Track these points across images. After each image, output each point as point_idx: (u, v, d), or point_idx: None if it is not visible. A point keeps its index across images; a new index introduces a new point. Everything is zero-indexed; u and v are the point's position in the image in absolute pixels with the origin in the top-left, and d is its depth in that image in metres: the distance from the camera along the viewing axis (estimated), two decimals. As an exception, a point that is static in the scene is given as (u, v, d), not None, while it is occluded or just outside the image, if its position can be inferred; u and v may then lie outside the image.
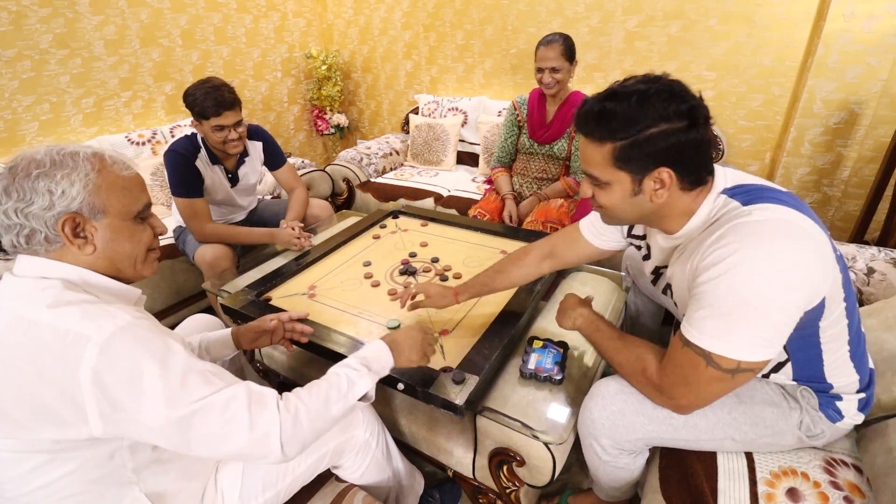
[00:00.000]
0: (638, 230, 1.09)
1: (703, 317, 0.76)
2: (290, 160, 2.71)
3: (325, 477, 1.02)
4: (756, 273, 0.71)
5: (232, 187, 1.86)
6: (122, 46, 2.47)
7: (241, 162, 1.86)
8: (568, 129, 2.02)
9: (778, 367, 0.90)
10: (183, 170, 1.67)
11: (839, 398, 0.90)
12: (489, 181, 2.36)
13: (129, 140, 2.44)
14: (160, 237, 0.86)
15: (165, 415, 0.65)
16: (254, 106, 3.30)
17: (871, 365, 0.93)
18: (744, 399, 0.91)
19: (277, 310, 1.31)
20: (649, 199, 0.82)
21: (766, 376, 0.92)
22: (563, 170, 2.09)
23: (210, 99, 1.56)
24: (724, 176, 0.84)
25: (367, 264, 1.59)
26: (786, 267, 0.71)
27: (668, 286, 0.97)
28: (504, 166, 2.23)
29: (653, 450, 1.06)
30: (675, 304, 0.97)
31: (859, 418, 0.91)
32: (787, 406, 0.90)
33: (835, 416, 0.89)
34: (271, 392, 0.75)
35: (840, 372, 0.88)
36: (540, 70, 1.91)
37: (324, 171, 2.73)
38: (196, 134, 1.73)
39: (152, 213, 0.82)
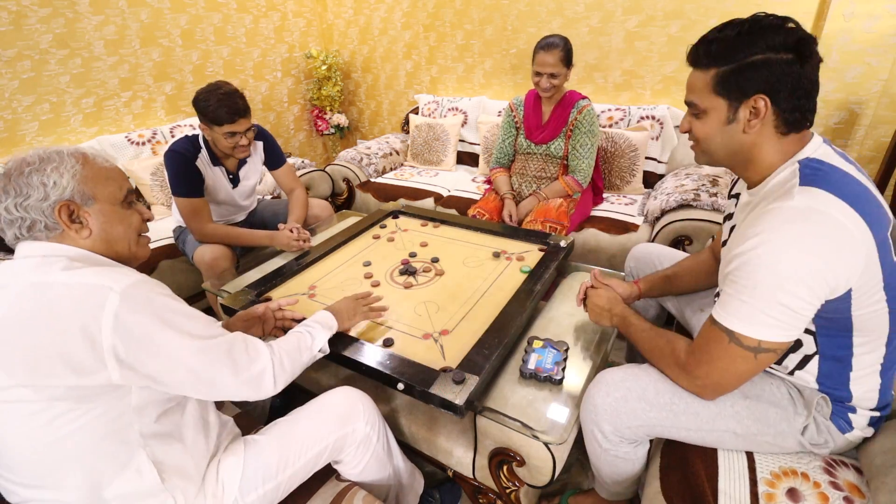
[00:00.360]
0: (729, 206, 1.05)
1: (728, 295, 0.80)
2: (290, 160, 2.72)
3: (326, 476, 1.02)
4: (773, 256, 0.74)
5: (233, 188, 1.86)
6: (122, 46, 2.48)
7: (242, 163, 1.86)
8: (564, 129, 2.02)
9: (805, 362, 0.88)
10: (183, 170, 1.67)
11: (853, 410, 0.88)
12: (488, 181, 2.37)
13: (129, 140, 2.43)
14: (156, 235, 0.93)
15: (186, 345, 0.75)
16: (254, 106, 3.29)
17: (894, 390, 0.91)
18: (749, 395, 0.92)
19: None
20: (742, 129, 0.83)
21: (791, 373, 0.91)
22: (562, 169, 2.09)
23: (224, 106, 1.57)
24: (816, 146, 0.82)
25: (367, 264, 1.59)
26: (802, 252, 0.73)
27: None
28: (503, 167, 2.23)
29: (654, 448, 1.06)
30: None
31: (868, 432, 0.90)
32: (793, 410, 0.90)
33: (845, 426, 0.88)
34: (260, 341, 0.91)
35: (865, 383, 0.86)
36: (538, 74, 1.91)
37: (324, 171, 2.73)
38: (197, 135, 1.73)
39: (136, 201, 0.90)
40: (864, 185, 0.79)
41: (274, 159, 1.95)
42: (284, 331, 1.21)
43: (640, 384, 0.95)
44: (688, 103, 0.89)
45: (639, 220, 2.10)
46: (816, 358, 0.86)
